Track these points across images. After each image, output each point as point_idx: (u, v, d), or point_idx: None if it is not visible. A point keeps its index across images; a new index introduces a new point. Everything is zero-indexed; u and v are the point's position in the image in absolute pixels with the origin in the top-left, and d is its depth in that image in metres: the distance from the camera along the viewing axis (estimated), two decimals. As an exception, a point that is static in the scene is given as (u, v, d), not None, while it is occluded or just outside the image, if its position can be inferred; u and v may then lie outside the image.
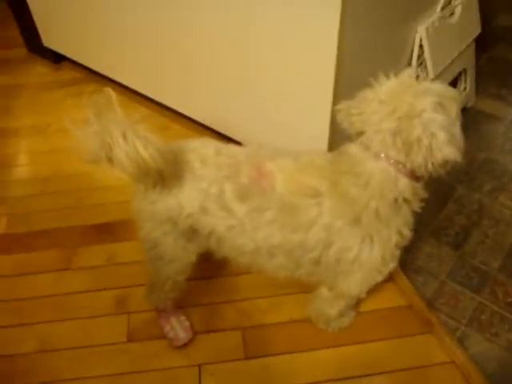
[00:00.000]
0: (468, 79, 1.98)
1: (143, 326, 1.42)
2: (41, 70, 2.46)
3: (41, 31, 2.31)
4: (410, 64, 1.64)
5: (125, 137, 0.93)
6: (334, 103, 1.38)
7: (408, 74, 1.00)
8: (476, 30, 1.90)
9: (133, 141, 0.93)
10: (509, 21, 2.60)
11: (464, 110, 0.98)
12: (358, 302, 1.39)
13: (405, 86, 0.97)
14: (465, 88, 1.99)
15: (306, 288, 1.34)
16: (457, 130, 0.95)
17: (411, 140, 0.92)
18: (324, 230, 1.05)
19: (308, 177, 1.06)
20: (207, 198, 1.08)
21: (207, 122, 1.88)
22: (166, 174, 1.03)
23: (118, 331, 1.41)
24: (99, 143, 0.96)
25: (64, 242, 1.64)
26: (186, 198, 1.08)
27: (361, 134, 1.00)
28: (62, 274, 1.55)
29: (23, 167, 1.97)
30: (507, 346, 1.30)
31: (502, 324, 1.35)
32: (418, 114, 0.92)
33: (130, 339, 1.39)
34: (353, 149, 1.01)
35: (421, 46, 1.60)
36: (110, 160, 0.97)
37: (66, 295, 1.50)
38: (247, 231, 1.08)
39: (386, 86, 0.99)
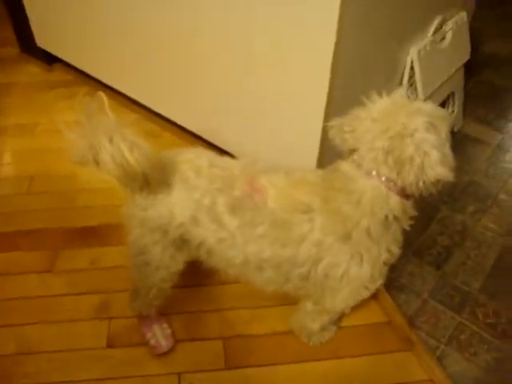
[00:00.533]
0: (456, 102, 2.02)
1: (124, 332, 1.41)
2: (33, 71, 2.45)
3: (35, 31, 2.30)
4: (401, 84, 1.67)
5: (111, 140, 0.94)
6: (326, 120, 1.40)
7: (400, 93, 1.03)
8: (465, 55, 1.94)
9: (118, 144, 0.94)
10: (495, 48, 2.67)
11: (451, 133, 1.00)
12: (340, 317, 1.40)
13: (397, 105, 0.99)
14: (453, 111, 2.03)
15: (290, 300, 1.35)
16: (447, 149, 0.97)
17: (403, 158, 0.94)
18: (314, 245, 1.05)
19: (300, 193, 1.07)
20: (199, 208, 1.08)
21: (199, 132, 1.89)
22: (151, 179, 1.03)
23: (99, 336, 1.39)
24: (87, 145, 0.97)
25: (48, 244, 1.63)
26: (178, 207, 1.08)
27: (353, 151, 1.02)
28: (44, 276, 1.54)
29: (9, 166, 1.95)
30: (485, 366, 1.32)
31: (481, 344, 1.36)
32: (410, 134, 0.94)
33: (111, 345, 1.38)
34: (345, 166, 1.03)
35: (412, 68, 1.64)
36: (97, 163, 0.98)
37: (47, 298, 1.48)
38: (238, 244, 1.09)
39: (379, 105, 1.00)
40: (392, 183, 0.98)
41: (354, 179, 1.00)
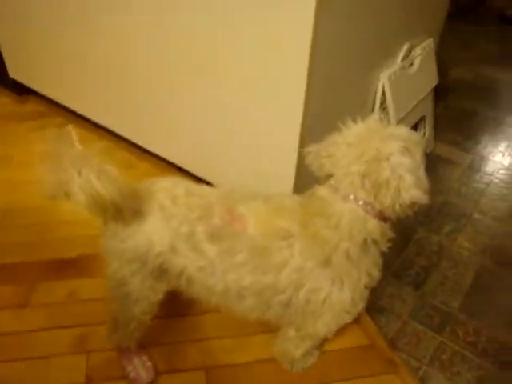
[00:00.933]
0: (427, 125, 2.08)
1: (103, 366, 1.37)
2: (5, 101, 2.42)
3: (7, 63, 2.29)
4: (373, 109, 1.72)
5: (79, 172, 0.94)
6: (301, 145, 1.42)
7: (374, 118, 1.05)
8: (434, 80, 2.01)
9: (87, 174, 0.94)
10: (461, 73, 2.77)
11: (424, 155, 1.04)
12: (323, 342, 1.39)
13: (372, 130, 1.01)
14: (424, 134, 2.09)
15: (272, 327, 1.33)
16: (422, 172, 0.99)
17: (380, 182, 0.96)
18: (295, 271, 1.05)
19: (279, 219, 1.08)
20: (177, 236, 1.07)
21: (176, 161, 1.89)
22: (124, 208, 1.01)
23: (77, 371, 1.35)
24: (56, 181, 0.96)
25: (22, 278, 1.58)
26: (156, 236, 1.07)
27: (329, 176, 1.03)
28: (19, 311, 1.49)
29: (-19, 199, 1.91)
30: (468, 385, 1.33)
31: (462, 363, 1.37)
32: (385, 158, 0.96)
33: (89, 380, 1.34)
34: (322, 191, 1.04)
35: (383, 93, 1.68)
36: (68, 196, 0.97)
37: (23, 333, 1.43)
38: (217, 272, 1.08)
39: (354, 130, 1.02)
40: (369, 206, 0.99)
41: (331, 203, 1.01)
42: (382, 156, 0.96)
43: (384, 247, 1.08)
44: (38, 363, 1.37)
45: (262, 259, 1.06)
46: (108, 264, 1.14)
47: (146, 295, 1.17)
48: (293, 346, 1.30)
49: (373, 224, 1.01)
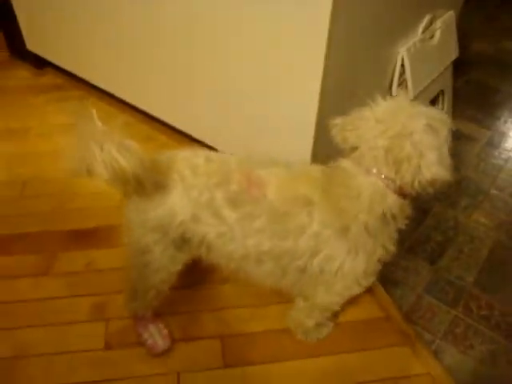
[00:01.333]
0: (445, 100, 2.05)
1: (121, 333, 1.40)
2: (23, 75, 2.43)
3: (25, 35, 2.29)
4: (392, 81, 1.70)
5: (102, 147, 0.94)
6: (319, 116, 1.41)
7: (404, 95, 1.07)
8: (454, 53, 1.97)
9: (109, 149, 0.94)
10: (483, 47, 2.71)
11: (449, 134, 1.05)
12: (337, 313, 1.41)
13: (400, 107, 1.02)
14: (442, 109, 2.06)
15: (286, 298, 1.35)
16: (445, 150, 1.00)
17: (401, 158, 0.97)
18: (313, 238, 1.07)
19: (301, 186, 1.09)
20: (198, 205, 1.09)
21: (194, 134, 1.89)
22: (145, 181, 1.03)
23: (96, 338, 1.39)
24: (79, 158, 0.97)
25: (43, 247, 1.62)
26: (178, 207, 1.09)
27: (353, 149, 1.04)
28: (40, 280, 1.53)
29: (2, 170, 1.93)
30: (481, 358, 1.34)
31: (476, 337, 1.38)
32: (409, 134, 0.96)
33: (108, 346, 1.38)
34: (346, 163, 1.05)
35: (402, 66, 1.66)
36: (91, 172, 0.98)
37: (43, 300, 1.47)
38: (237, 238, 1.10)
39: (383, 106, 1.03)
40: (390, 181, 1.00)
41: (354, 176, 1.02)
42: (405, 132, 0.97)
43: (402, 224, 1.09)
44: (58, 330, 1.41)
45: (280, 224, 1.08)
46: (130, 233, 1.16)
47: (166, 265, 1.19)
48: (304, 316, 1.32)
49: (392, 199, 1.01)
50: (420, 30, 1.70)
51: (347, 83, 1.49)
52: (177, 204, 1.09)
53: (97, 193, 1.78)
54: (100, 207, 1.75)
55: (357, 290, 1.19)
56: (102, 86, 2.12)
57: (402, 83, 1.71)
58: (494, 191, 1.84)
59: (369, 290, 1.45)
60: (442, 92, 2.01)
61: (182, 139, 1.97)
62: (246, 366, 1.35)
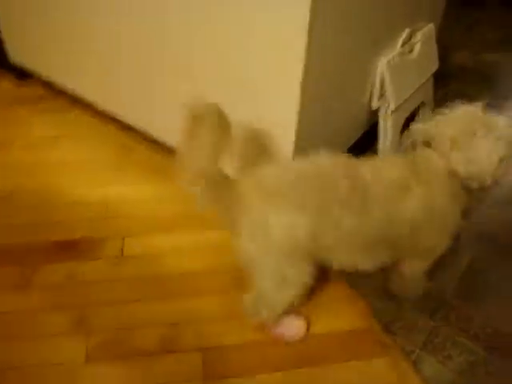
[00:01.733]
0: (426, 112, 2.08)
1: (102, 347, 1.40)
2: (6, 86, 2.43)
3: (8, 46, 2.29)
4: (371, 94, 1.72)
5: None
6: (297, 135, 1.44)
7: (478, 106, 1.20)
8: (434, 66, 2.00)
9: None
10: (463, 59, 2.75)
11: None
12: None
13: (475, 113, 1.18)
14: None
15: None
16: (495, 156, 1.13)
17: (469, 155, 1.13)
18: (418, 212, 1.19)
19: (395, 173, 1.20)
20: (314, 222, 1.13)
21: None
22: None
23: (77, 351, 1.38)
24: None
25: (25, 259, 1.61)
26: (300, 226, 1.13)
27: (430, 140, 1.21)
28: (20, 292, 1.52)
29: (-15, 182, 1.93)
30: (460, 369, 1.35)
31: (454, 348, 1.40)
32: (481, 135, 1.13)
33: (88, 359, 1.37)
34: (424, 152, 1.22)
35: (382, 79, 1.68)
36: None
37: (23, 312, 1.47)
38: (358, 236, 1.20)
39: (462, 110, 1.20)
40: (457, 172, 1.16)
41: (432, 160, 1.19)
42: (474, 131, 1.13)
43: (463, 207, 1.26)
44: (37, 342, 1.40)
45: (391, 208, 1.18)
46: (258, 263, 1.22)
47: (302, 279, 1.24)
48: (411, 280, 1.47)
49: (458, 185, 1.19)
50: (399, 43, 1.73)
51: (326, 100, 1.51)
52: (295, 225, 1.14)
53: (79, 204, 1.79)
54: (83, 219, 1.75)
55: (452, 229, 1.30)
56: (86, 96, 2.12)
57: (383, 95, 1.74)
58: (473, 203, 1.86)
59: (349, 301, 1.48)
60: (422, 104, 2.04)
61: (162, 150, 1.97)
62: (225, 378, 1.35)
